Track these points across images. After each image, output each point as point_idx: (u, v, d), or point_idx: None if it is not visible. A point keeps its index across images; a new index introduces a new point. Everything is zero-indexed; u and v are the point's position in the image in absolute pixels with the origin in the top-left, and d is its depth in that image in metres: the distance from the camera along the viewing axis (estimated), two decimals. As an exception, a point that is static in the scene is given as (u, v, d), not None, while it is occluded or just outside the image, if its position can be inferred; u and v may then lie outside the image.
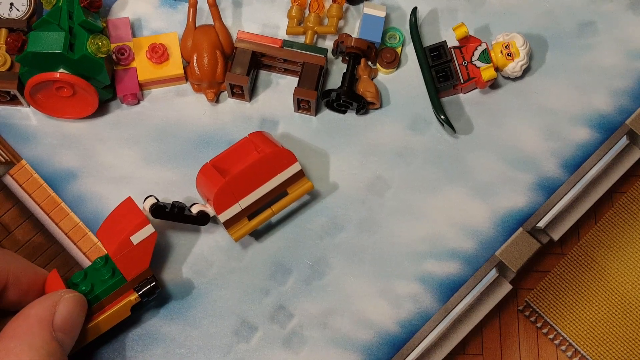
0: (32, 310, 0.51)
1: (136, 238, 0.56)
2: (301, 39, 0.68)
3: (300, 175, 0.61)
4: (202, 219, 0.60)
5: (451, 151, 0.66)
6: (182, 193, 0.64)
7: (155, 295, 0.58)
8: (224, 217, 0.60)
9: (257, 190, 0.60)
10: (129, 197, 0.58)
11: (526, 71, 0.68)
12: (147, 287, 0.58)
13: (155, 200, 0.59)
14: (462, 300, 0.63)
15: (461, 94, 0.68)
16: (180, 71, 0.66)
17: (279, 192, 0.61)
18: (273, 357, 0.61)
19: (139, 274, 0.57)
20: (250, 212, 0.61)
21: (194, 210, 0.60)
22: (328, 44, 0.69)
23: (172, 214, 0.59)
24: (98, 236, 0.59)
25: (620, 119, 0.68)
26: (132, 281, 0.57)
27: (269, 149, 0.60)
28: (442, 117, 0.65)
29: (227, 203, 0.59)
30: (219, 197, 0.59)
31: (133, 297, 0.57)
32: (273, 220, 0.64)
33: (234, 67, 0.65)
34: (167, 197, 0.64)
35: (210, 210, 0.60)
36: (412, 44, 0.69)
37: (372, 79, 0.67)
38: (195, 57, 0.65)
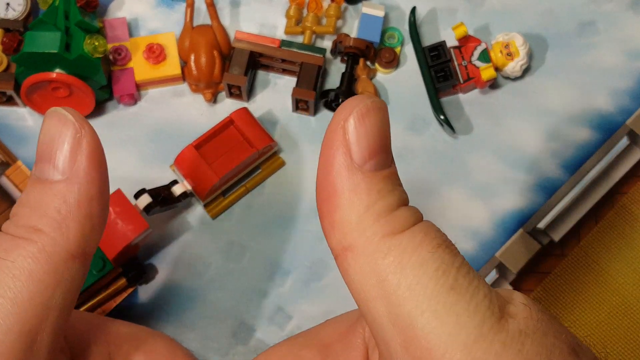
0: None
1: (135, 240, 0.57)
2: (299, 39, 0.67)
3: (273, 153, 0.64)
4: (184, 197, 0.61)
5: (450, 151, 0.66)
6: (180, 194, 0.64)
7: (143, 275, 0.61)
8: (206, 201, 0.62)
9: (235, 168, 0.61)
10: (119, 190, 0.58)
11: (526, 71, 0.68)
12: (134, 271, 0.60)
13: (150, 199, 0.59)
14: (461, 301, 0.63)
15: (460, 94, 0.68)
16: (178, 71, 0.65)
17: (252, 166, 0.64)
18: None
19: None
20: (225, 186, 0.63)
21: (177, 191, 0.61)
22: (327, 43, 0.68)
23: (159, 205, 0.60)
24: None
25: (620, 119, 0.67)
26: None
27: (257, 141, 0.61)
28: (442, 117, 0.65)
29: (213, 192, 0.61)
30: (210, 191, 0.60)
31: (121, 282, 0.59)
32: (271, 221, 0.63)
33: (231, 67, 0.64)
34: (165, 198, 0.63)
35: (187, 186, 0.61)
36: (411, 43, 0.68)
37: (371, 79, 0.67)
38: (192, 57, 0.65)
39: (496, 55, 0.66)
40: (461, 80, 0.66)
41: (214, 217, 0.63)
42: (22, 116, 0.65)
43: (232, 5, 0.69)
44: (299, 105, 0.65)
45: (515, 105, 0.67)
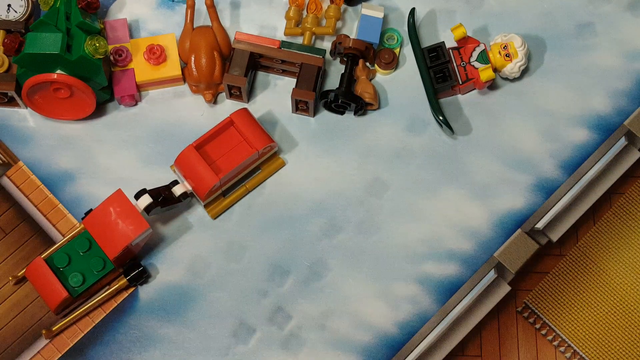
0: None
1: (135, 240, 0.58)
2: (299, 40, 0.68)
3: (273, 154, 0.65)
4: (184, 197, 0.62)
5: (449, 152, 0.66)
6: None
7: (145, 275, 0.61)
8: (206, 201, 0.63)
9: (235, 168, 0.62)
10: (119, 190, 0.58)
11: (524, 72, 0.68)
12: (135, 271, 0.61)
13: (150, 199, 0.59)
14: (460, 301, 0.63)
15: (459, 95, 0.68)
16: (178, 72, 0.66)
17: (252, 166, 0.64)
18: (271, 359, 0.60)
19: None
20: (225, 186, 0.63)
21: (177, 192, 0.61)
22: (326, 44, 0.69)
23: (159, 205, 0.60)
24: (85, 224, 0.59)
25: (618, 120, 0.68)
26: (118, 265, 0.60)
27: (257, 141, 0.61)
28: (441, 118, 0.65)
29: (213, 192, 0.62)
30: (210, 191, 0.61)
31: (122, 281, 0.60)
32: (271, 221, 0.64)
33: (231, 68, 0.65)
34: (165, 198, 0.64)
35: (187, 186, 0.62)
36: (410, 45, 0.69)
37: (370, 80, 0.67)
38: (193, 59, 0.65)
39: (495, 57, 0.66)
40: (460, 81, 0.66)
41: (214, 217, 0.63)
42: (24, 117, 0.66)
43: (232, 7, 0.70)
44: (299, 106, 0.66)
45: (513, 106, 0.67)
